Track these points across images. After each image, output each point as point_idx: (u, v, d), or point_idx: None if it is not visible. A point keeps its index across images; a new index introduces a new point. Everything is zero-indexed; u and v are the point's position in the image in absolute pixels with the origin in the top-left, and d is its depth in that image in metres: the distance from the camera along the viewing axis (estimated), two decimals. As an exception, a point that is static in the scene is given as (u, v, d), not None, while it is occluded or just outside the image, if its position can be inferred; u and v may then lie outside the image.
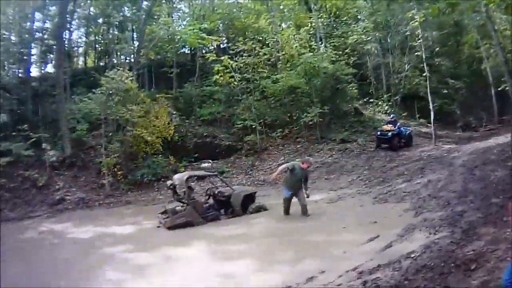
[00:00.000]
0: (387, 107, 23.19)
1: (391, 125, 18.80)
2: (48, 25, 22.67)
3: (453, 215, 8.12)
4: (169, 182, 12.06)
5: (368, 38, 22.84)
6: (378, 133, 18.80)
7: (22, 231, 11.56)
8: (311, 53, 20.71)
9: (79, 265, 7.99)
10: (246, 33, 23.22)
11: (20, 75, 21.76)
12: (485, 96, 28.36)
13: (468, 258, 5.52)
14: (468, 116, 27.86)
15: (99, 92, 16.88)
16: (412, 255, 6.19)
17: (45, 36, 22.31)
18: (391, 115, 20.23)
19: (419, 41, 20.37)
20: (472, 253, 5.68)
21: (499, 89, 23.75)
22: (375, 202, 11.06)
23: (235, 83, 20.16)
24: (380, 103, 23.56)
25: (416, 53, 21.83)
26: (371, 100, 22.97)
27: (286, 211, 10.47)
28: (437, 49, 25.85)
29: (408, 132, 19.49)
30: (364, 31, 22.84)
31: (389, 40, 22.95)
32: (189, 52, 26.19)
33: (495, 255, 5.40)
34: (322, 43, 23.15)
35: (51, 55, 23.16)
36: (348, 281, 5.69)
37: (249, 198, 11.75)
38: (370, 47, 23.07)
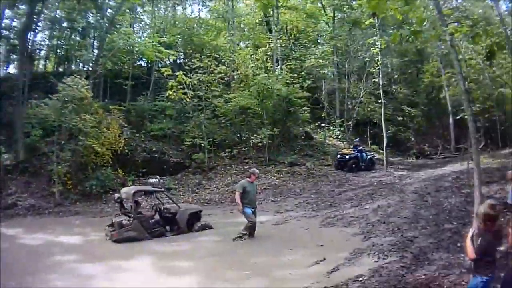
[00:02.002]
0: (338, 132, 23.49)
1: (352, 149, 20.16)
2: (15, 23, 22.41)
3: (403, 240, 8.27)
4: (116, 195, 12.10)
5: (326, 62, 23.15)
6: (338, 156, 20.00)
7: None
8: (266, 74, 20.90)
9: (27, 270, 7.95)
10: (204, 49, 23.24)
11: None
12: (441, 124, 29.00)
13: (419, 283, 5.64)
14: (423, 143, 28.38)
15: (55, 98, 16.79)
16: (360, 279, 6.28)
17: (11, 36, 21.91)
18: (356, 139, 21.42)
19: (378, 67, 20.77)
20: (423, 278, 5.81)
21: (457, 117, 24.31)
22: (322, 225, 11.13)
23: (187, 99, 20.08)
24: (332, 128, 23.85)
25: (374, 80, 22.19)
26: (323, 124, 23.23)
27: (253, 231, 10.22)
28: (396, 76, 26.44)
29: (369, 157, 20.38)
30: (322, 55, 23.17)
31: (346, 66, 23.24)
32: (145, 65, 26.05)
33: (449, 280, 5.52)
34: (278, 65, 23.31)
35: (14, 56, 22.86)
36: None
37: (195, 216, 11.87)
38: (326, 72, 23.42)
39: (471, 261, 4.30)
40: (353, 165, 19.60)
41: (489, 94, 22.05)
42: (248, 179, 10.39)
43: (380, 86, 20.55)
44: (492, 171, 14.84)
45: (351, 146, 21.07)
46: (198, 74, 20.06)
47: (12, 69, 23.86)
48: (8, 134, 17.91)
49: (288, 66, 22.53)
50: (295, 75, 21.62)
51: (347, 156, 19.69)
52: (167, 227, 11.58)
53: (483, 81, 23.07)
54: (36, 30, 23.52)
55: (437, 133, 29.04)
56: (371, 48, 21.30)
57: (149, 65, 25.08)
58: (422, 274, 6.00)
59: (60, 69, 26.22)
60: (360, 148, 20.39)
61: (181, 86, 19.82)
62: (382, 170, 19.67)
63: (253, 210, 10.23)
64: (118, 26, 23.97)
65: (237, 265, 8.03)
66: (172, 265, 8.37)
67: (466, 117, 20.08)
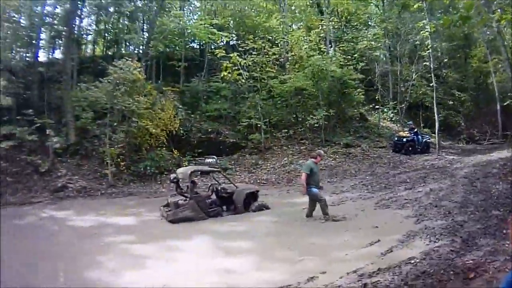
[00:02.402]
0: (392, 114, 23.24)
1: (408, 132, 20.11)
2: (58, 10, 22.30)
3: (453, 225, 8.17)
4: (172, 176, 12.07)
5: (378, 45, 22.86)
6: (395, 138, 20.09)
7: (22, 216, 11.49)
8: (320, 56, 20.72)
9: (79, 252, 7.96)
10: (256, 31, 23.11)
11: (27, 59, 21.33)
12: (490, 110, 28.37)
13: (467, 267, 5.57)
14: (472, 128, 27.87)
15: (106, 81, 16.81)
16: (412, 261, 6.23)
17: (55, 22, 21.95)
18: (409, 122, 21.23)
19: (428, 51, 20.43)
20: (471, 262, 5.74)
21: (504, 104, 23.78)
22: (376, 207, 11.02)
23: (243, 80, 20.17)
24: (385, 110, 23.62)
25: (425, 63, 21.85)
26: (377, 106, 22.99)
27: (311, 212, 10.28)
28: (445, 60, 25.96)
29: (424, 140, 20.32)
30: (374, 37, 22.87)
31: (398, 48, 22.91)
32: (198, 47, 26.08)
33: (494, 266, 5.44)
34: (331, 46, 23.16)
35: (60, 41, 22.98)
36: (348, 283, 5.70)
37: (252, 196, 11.74)
38: (379, 54, 23.13)
39: None
40: (410, 148, 19.61)
41: None
42: (313, 159, 10.29)
43: (431, 69, 20.24)
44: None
45: (406, 129, 20.97)
46: (252, 56, 20.09)
47: (58, 55, 23.94)
48: (58, 118, 18.01)
49: (341, 48, 22.37)
50: (348, 57, 21.51)
51: (404, 139, 19.72)
52: (224, 207, 11.55)
53: None
54: (82, 16, 24.00)
55: (485, 119, 28.41)
56: (421, 32, 20.91)
57: (201, 47, 25.12)
58: (470, 259, 5.94)
59: (109, 53, 26.43)
60: (416, 130, 20.34)
61: (236, 67, 19.89)
62: (434, 154, 19.45)
63: (319, 189, 10.16)
64: (167, 9, 23.99)
65: (294, 245, 7.99)
66: (228, 245, 8.32)
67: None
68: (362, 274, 5.98)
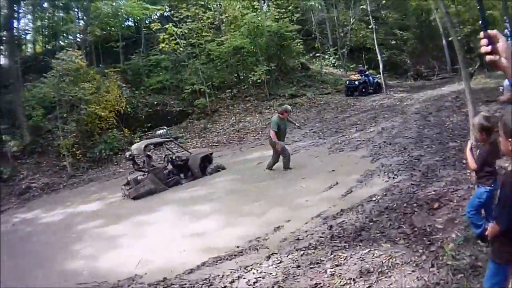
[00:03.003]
0: (334, 60, 23.57)
1: (359, 75, 20.55)
2: None
3: (410, 160, 8.39)
4: (127, 154, 12.20)
5: (312, -6, 23.06)
6: (347, 82, 20.45)
7: None
8: (254, 13, 20.80)
9: (57, 247, 7.97)
10: (189, -1, 23.14)
11: None
12: (436, 46, 28.90)
13: (430, 198, 5.75)
14: (419, 65, 28.42)
15: (51, 75, 16.81)
16: (374, 198, 6.43)
17: None
18: (359, 65, 21.83)
19: (365, -6, 20.72)
20: (434, 193, 5.93)
21: (449, 39, 24.20)
22: (330, 152, 11.18)
23: (181, 49, 20.23)
24: (326, 57, 23.92)
25: (361, 6, 22.10)
26: (317, 54, 23.30)
27: (273, 165, 10.36)
28: (384, 1, 26.26)
29: (376, 80, 20.80)
30: (307, -14, 23.02)
31: (333, -5, 23.26)
32: (133, 24, 25.92)
33: (458, 195, 5.63)
34: (264, 2, 23.27)
35: (1, 47, 22.75)
36: (314, 227, 5.84)
37: (206, 159, 11.95)
38: (313, 3, 23.27)
39: (473, 172, 4.40)
40: (363, 90, 20.10)
41: (477, 16, 21.81)
42: (280, 115, 10.17)
43: (369, 12, 20.52)
44: (490, 91, 14.88)
45: (356, 72, 21.39)
46: (187, 23, 20.08)
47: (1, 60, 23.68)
48: (10, 122, 17.96)
49: (275, 2, 22.44)
50: (283, 10, 21.55)
51: (356, 82, 20.18)
52: (181, 175, 11.69)
53: (471, 2, 22.86)
54: (19, 17, 23.58)
55: (432, 55, 28.97)
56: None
57: (136, 23, 24.98)
58: (432, 190, 6.10)
59: (49, 47, 26.21)
60: (367, 73, 20.78)
61: (173, 37, 19.90)
62: (382, 94, 19.87)
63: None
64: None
65: (255, 200, 8.12)
66: (193, 210, 8.43)
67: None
68: (326, 217, 6.15)
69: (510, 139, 1.88)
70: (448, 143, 9.28)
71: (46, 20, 26.32)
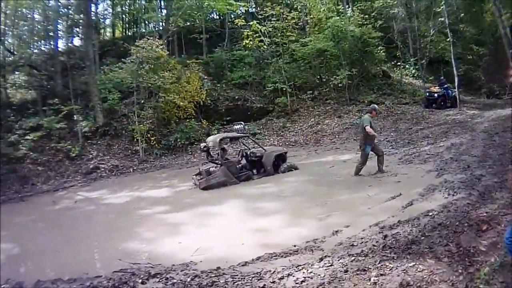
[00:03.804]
0: (414, 70, 23.40)
1: (439, 87, 20.56)
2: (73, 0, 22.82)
3: (471, 178, 8.42)
4: (202, 145, 12.53)
5: (394, 2, 22.88)
6: (427, 94, 20.48)
7: (57, 201, 11.75)
8: (338, 17, 20.93)
9: (117, 227, 8.29)
10: (274, -3, 23.42)
11: (47, 51, 21.92)
12: (508, 64, 28.13)
13: (481, 219, 5.81)
14: (492, 83, 27.76)
15: (130, 61, 17.14)
16: (430, 213, 6.57)
17: (70, 12, 22.48)
18: (441, 77, 21.57)
19: (442, 7, 20.49)
20: (485, 215, 5.98)
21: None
22: (400, 162, 11.35)
23: (265, 47, 20.54)
24: (407, 66, 23.77)
25: (441, 19, 21.84)
26: (398, 63, 23.20)
27: (359, 170, 10.38)
28: (462, 15, 25.81)
29: (454, 93, 20.54)
30: (391, -6, 22.88)
31: (414, 5, 22.98)
32: (217, 18, 26.34)
33: (506, 219, 5.68)
34: (349, 6, 23.33)
35: (77, 29, 23.41)
36: (370, 235, 6.07)
37: (280, 158, 12.15)
38: (396, 11, 23.14)
39: None
40: (442, 103, 20.06)
41: None
42: (369, 114, 10.42)
43: (447, 25, 20.30)
44: None
45: (437, 84, 21.30)
46: (272, 22, 20.37)
47: (76, 42, 24.55)
48: (84, 103, 18.39)
49: (359, 8, 22.44)
50: (366, 16, 21.56)
51: (436, 95, 20.17)
52: (254, 171, 11.89)
53: None
54: (98, 2, 24.33)
55: (505, 73, 28.21)
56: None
57: (221, 17, 25.38)
58: (484, 212, 6.16)
59: (129, 34, 26.90)
60: (446, 86, 20.62)
61: (257, 35, 20.20)
62: (456, 109, 19.67)
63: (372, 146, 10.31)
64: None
65: (321, 203, 8.31)
66: (260, 206, 8.68)
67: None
68: (383, 226, 6.37)
69: None
70: (508, 165, 9.21)
71: (126, 7, 27.05)
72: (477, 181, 8.21)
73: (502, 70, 28.55)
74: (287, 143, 17.33)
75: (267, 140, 17.93)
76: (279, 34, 20.60)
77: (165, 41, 20.26)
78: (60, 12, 21.81)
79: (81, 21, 21.89)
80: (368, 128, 9.86)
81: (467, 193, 7.45)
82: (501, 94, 27.04)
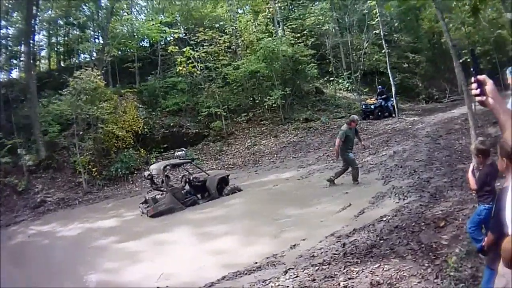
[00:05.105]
0: (348, 84, 23.78)
1: (376, 98, 21.14)
2: (11, 31, 22.54)
3: (420, 182, 8.70)
4: (146, 173, 12.68)
5: (326, 19, 23.24)
6: (363, 106, 20.84)
7: (11, 237, 11.73)
8: (270, 38, 21.11)
9: (76, 260, 8.27)
10: (205, 22, 23.52)
11: None
12: (447, 68, 28.94)
13: (437, 217, 6.06)
14: (431, 88, 28.50)
15: (67, 92, 17.03)
16: (385, 218, 6.74)
17: (9, 43, 22.14)
18: (379, 87, 21.91)
19: (377, 19, 20.89)
20: (441, 213, 6.24)
21: (460, 61, 24.24)
22: (344, 175, 11.31)
23: (198, 72, 20.53)
24: (340, 81, 24.13)
25: (375, 31, 22.31)
26: (331, 78, 23.52)
27: (356, 175, 10.44)
28: (396, 24, 26.49)
29: (391, 103, 20.82)
30: (322, 12, 23.22)
31: (346, 20, 23.41)
32: (148, 45, 26.27)
33: (463, 213, 5.94)
34: (279, 26, 23.56)
35: (15, 61, 23.13)
36: (328, 245, 6.19)
37: (224, 181, 12.36)
38: (328, 27, 23.53)
39: (475, 192, 4.75)
40: (379, 113, 20.40)
41: (487, 37, 22.02)
42: (348, 126, 10.46)
43: (382, 36, 20.67)
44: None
45: (377, 95, 21.71)
46: (204, 47, 20.45)
47: (14, 74, 24.21)
48: (26, 137, 18.19)
49: (290, 27, 22.76)
50: (298, 34, 21.83)
51: (372, 106, 20.57)
52: (199, 195, 12.08)
53: (481, 24, 22.97)
54: (34, 32, 23.81)
55: (443, 77, 29.03)
56: (368, 1, 21.44)
57: (153, 45, 25.30)
58: (439, 210, 6.41)
59: (63, 65, 26.55)
60: (385, 96, 20.94)
61: (190, 61, 20.19)
62: (395, 117, 19.98)
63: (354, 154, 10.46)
64: (116, 13, 24.02)
65: (272, 221, 8.45)
66: (212, 230, 8.78)
67: (468, 60, 20.40)
68: (340, 235, 6.51)
69: (504, 158, 2.10)
70: (457, 165, 9.55)
71: (61, 37, 26.71)
72: (426, 183, 8.49)
73: (441, 75, 29.51)
74: (225, 166, 17.37)
75: (206, 164, 17.90)
76: (211, 59, 20.72)
77: (101, 71, 20.08)
78: (0, 43, 21.43)
79: (20, 52, 21.67)
80: (337, 142, 10.24)
81: (417, 195, 7.71)
82: (441, 98, 27.76)
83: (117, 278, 6.76)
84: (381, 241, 5.71)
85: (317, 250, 6.11)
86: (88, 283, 6.79)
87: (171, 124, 20.39)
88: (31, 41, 21.43)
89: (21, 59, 22.26)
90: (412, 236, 5.63)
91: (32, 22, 21.36)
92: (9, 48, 22.22)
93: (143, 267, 7.10)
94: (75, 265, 7.93)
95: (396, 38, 26.98)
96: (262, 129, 20.20)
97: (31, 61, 20.88)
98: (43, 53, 27.14)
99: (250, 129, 20.42)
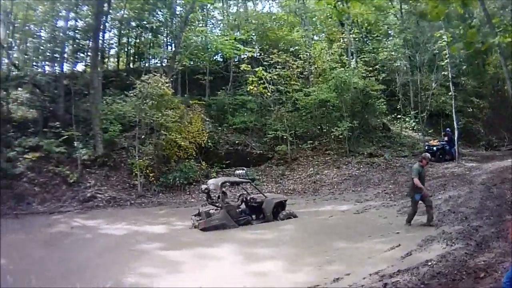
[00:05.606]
0: (414, 123, 23.63)
1: (440, 140, 21.14)
2: (80, 24, 23.13)
3: (469, 229, 8.65)
4: (203, 186, 12.74)
5: (398, 55, 23.23)
6: (426, 147, 20.64)
7: (53, 224, 12.04)
8: (342, 68, 21.25)
9: (114, 259, 8.47)
10: (280, 44, 23.80)
11: (51, 72, 22.14)
12: (508, 116, 28.42)
13: (478, 268, 6.09)
14: (491, 135, 27.99)
15: (133, 94, 17.33)
16: (429, 263, 6.74)
17: (77, 36, 22.76)
18: (447, 129, 21.62)
19: (446, 60, 20.76)
20: (483, 263, 6.26)
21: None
22: (398, 214, 11.57)
23: (268, 94, 20.74)
24: (407, 119, 24.00)
25: (443, 72, 22.16)
26: (399, 116, 23.45)
27: (411, 218, 10.33)
28: (464, 67, 26.20)
29: (453, 147, 20.64)
30: (394, 47, 23.22)
31: (417, 58, 23.29)
32: (222, 60, 26.65)
33: (503, 266, 5.92)
34: (353, 58, 23.73)
35: (82, 54, 23.73)
36: (371, 283, 6.23)
37: (280, 205, 12.41)
38: (399, 64, 23.48)
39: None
40: (440, 156, 20.28)
41: None
42: (420, 163, 10.34)
43: (450, 78, 20.56)
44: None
45: (443, 136, 21.65)
46: (277, 69, 20.65)
47: (80, 67, 24.75)
48: (85, 131, 18.52)
49: (363, 59, 22.83)
50: (370, 68, 21.94)
51: (434, 148, 20.38)
52: (253, 216, 12.16)
53: None
54: (105, 30, 24.34)
55: (504, 125, 28.48)
56: (438, 42, 21.28)
57: (225, 60, 25.65)
58: (482, 260, 6.41)
59: (133, 66, 27.02)
60: (450, 138, 20.76)
61: (262, 81, 20.43)
62: (455, 162, 19.76)
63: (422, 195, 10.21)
64: (191, 24, 24.44)
65: (321, 251, 8.50)
66: (258, 251, 8.88)
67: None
68: (383, 275, 6.51)
69: None
70: (506, 215, 9.44)
71: (132, 38, 27.28)
72: (474, 231, 8.41)
73: (502, 122, 28.93)
74: (285, 191, 17.47)
75: (265, 186, 18.00)
76: (283, 82, 20.88)
77: (170, 78, 20.42)
78: (68, 35, 22.01)
79: (87, 47, 22.28)
80: (415, 180, 9.89)
81: (464, 243, 7.64)
82: (500, 146, 27.24)
83: (150, 284, 6.87)
84: (422, 286, 5.77)
85: (358, 286, 6.17)
86: (118, 283, 6.87)
87: (236, 141, 20.61)
88: (100, 38, 22.02)
89: (88, 53, 22.76)
90: (452, 284, 5.67)
91: (103, 19, 21.89)
92: (77, 40, 22.86)
93: (180, 277, 7.18)
94: (111, 264, 8.08)
95: (463, 82, 26.68)
96: (326, 158, 20.21)
97: (98, 58, 21.33)
98: (112, 51, 28.00)
99: (314, 157, 20.47)
